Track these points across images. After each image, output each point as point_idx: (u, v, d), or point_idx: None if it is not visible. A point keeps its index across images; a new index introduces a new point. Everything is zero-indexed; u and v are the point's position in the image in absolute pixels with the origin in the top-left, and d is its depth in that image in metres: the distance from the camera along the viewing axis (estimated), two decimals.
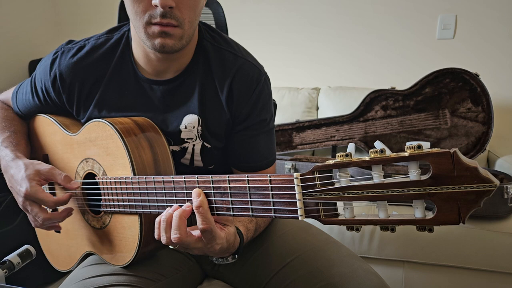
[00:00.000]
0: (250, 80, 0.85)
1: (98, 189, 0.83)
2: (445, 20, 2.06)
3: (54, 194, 0.94)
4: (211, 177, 0.65)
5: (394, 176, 0.49)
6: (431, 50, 2.11)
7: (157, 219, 0.67)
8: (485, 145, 1.71)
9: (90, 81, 0.87)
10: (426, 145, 0.46)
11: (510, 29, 2.00)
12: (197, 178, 0.66)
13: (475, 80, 1.71)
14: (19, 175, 0.81)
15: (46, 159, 0.96)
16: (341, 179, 0.51)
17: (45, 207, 0.83)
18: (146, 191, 0.74)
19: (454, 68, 1.72)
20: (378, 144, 0.52)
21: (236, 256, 0.74)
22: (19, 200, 0.82)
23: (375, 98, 1.86)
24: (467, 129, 1.74)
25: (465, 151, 1.74)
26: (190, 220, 0.68)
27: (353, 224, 0.52)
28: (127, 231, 0.80)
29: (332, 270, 0.80)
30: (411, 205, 0.49)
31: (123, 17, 1.05)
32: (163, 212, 0.67)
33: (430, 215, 0.47)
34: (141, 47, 0.83)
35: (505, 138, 1.90)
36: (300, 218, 0.56)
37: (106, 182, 0.81)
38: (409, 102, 1.81)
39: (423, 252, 1.43)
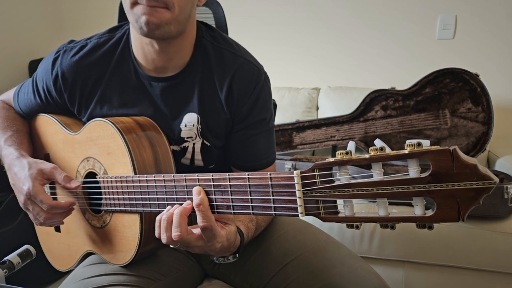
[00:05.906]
0: (250, 79, 0.86)
1: (99, 188, 0.84)
2: (445, 20, 2.07)
3: (55, 194, 0.94)
4: (212, 175, 0.65)
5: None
6: (431, 50, 2.11)
7: (157, 218, 0.67)
8: (485, 145, 1.71)
9: (92, 79, 0.87)
10: (425, 143, 0.46)
11: (510, 29, 2.00)
12: (198, 176, 0.67)
13: (475, 80, 1.71)
14: (23, 173, 0.82)
15: (47, 158, 0.96)
16: (341, 177, 0.51)
17: None
18: (146, 190, 0.74)
19: (454, 68, 1.72)
20: (378, 142, 0.52)
21: (237, 255, 0.74)
22: (21, 199, 0.83)
23: (375, 98, 1.86)
24: (467, 129, 1.74)
25: (465, 151, 1.74)
26: (191, 220, 0.68)
27: (353, 222, 0.52)
28: (127, 230, 0.80)
29: (332, 270, 0.80)
30: (411, 205, 0.49)
31: (123, 17, 1.05)
32: (163, 210, 0.67)
33: (429, 212, 0.47)
34: (138, 41, 0.83)
35: (505, 138, 1.90)
36: (300, 215, 0.56)
37: (107, 181, 0.81)
38: (409, 102, 1.81)
39: (423, 252, 1.43)
